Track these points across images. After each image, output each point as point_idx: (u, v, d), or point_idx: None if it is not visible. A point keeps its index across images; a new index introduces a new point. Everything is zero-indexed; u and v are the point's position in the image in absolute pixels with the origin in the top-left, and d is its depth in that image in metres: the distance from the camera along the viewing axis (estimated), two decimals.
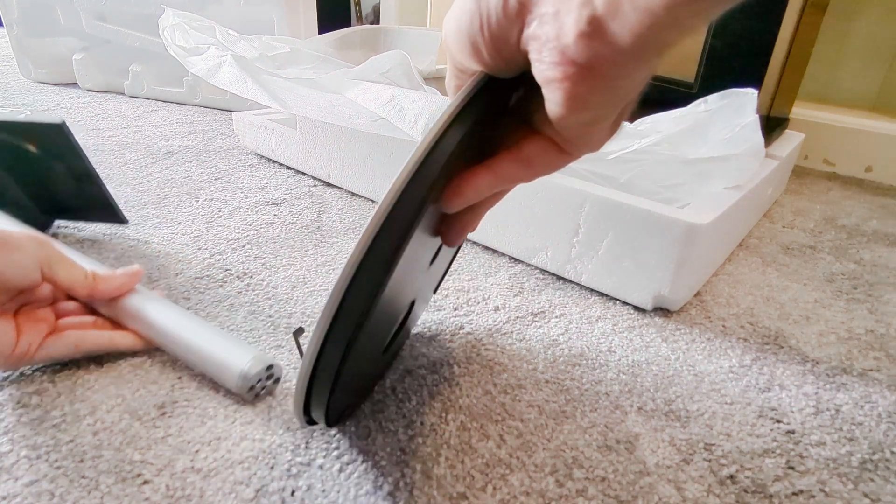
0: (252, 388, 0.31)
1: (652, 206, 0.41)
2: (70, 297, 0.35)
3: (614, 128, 0.21)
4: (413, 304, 0.32)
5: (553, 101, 0.19)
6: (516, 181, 0.24)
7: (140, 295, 0.35)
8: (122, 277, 0.34)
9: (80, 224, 0.51)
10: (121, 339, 0.34)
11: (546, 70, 0.18)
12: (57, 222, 0.50)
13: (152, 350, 0.35)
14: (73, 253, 0.37)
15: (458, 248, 0.38)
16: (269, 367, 0.31)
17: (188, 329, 0.33)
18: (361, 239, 0.20)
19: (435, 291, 0.40)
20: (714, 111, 0.45)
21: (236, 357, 0.31)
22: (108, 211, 0.47)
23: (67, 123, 0.41)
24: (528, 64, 0.19)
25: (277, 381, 0.32)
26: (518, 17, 0.18)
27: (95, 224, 0.51)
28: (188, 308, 0.40)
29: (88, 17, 1.02)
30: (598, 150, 0.22)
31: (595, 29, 0.16)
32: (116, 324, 0.35)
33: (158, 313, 0.34)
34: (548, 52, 0.17)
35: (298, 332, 0.28)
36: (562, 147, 0.22)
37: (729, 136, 0.44)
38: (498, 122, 0.23)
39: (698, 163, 0.45)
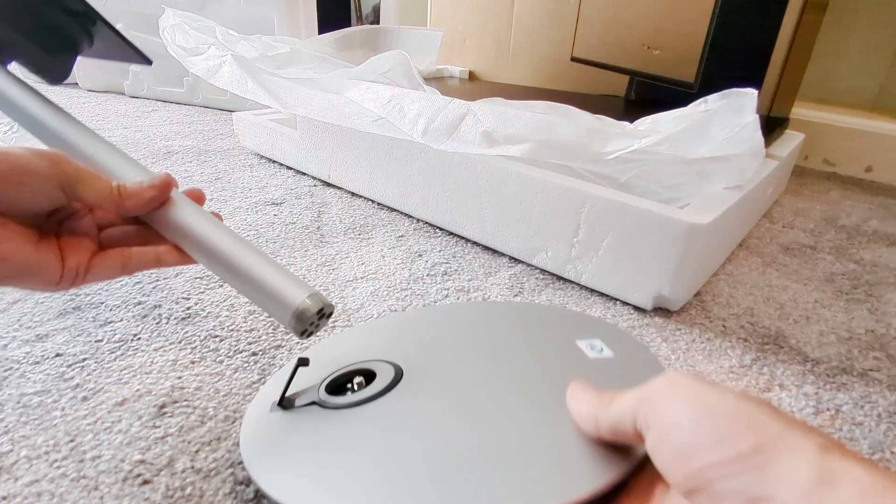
0: (305, 330, 0.29)
1: (652, 206, 0.41)
2: None
3: None
4: None
5: None
6: None
7: (179, 207, 0.31)
8: (151, 191, 0.30)
9: None
10: (167, 257, 0.31)
11: None
12: None
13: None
14: (96, 144, 0.33)
15: None
16: (321, 308, 0.29)
17: (237, 255, 0.30)
18: None
19: None
20: (714, 111, 0.45)
21: (292, 294, 0.29)
22: (127, 51, 0.41)
23: None
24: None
25: (329, 316, 0.30)
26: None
27: None
28: (188, 308, 0.40)
29: None
30: None
31: None
32: (160, 235, 0.31)
33: (204, 232, 0.30)
34: None
35: (302, 362, 0.28)
36: None
37: (729, 135, 0.44)
38: None
39: (698, 163, 0.45)
